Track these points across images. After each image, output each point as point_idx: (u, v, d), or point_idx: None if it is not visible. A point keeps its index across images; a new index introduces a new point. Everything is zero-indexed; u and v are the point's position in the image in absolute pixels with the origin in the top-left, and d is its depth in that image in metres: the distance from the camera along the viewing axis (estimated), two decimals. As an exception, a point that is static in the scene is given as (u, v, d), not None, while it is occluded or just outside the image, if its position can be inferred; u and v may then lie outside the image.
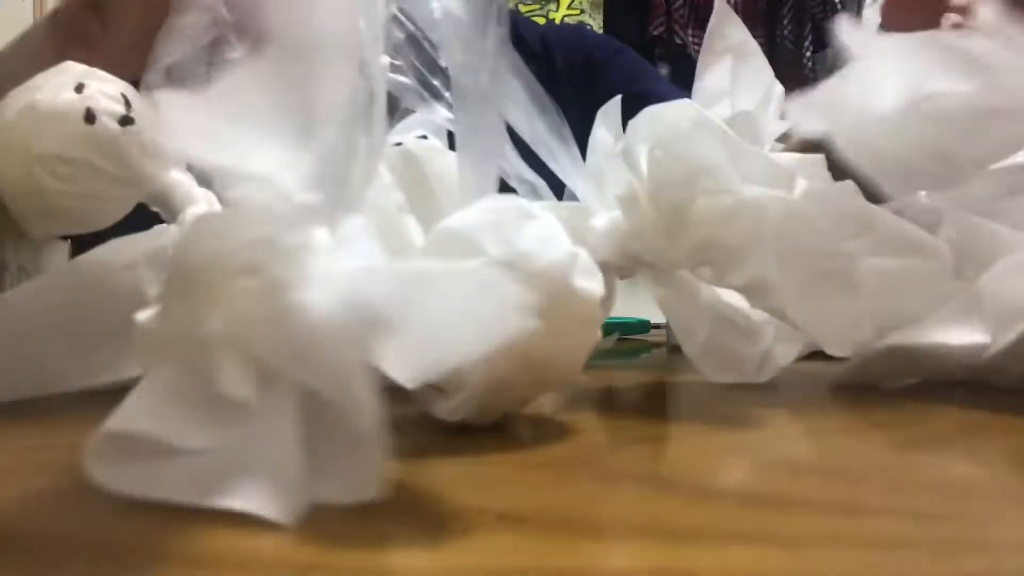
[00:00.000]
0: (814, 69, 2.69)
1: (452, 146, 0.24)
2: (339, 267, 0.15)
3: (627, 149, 0.28)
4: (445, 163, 0.26)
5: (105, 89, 0.27)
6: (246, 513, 0.13)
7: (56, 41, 0.42)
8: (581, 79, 0.80)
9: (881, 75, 0.27)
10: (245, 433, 0.15)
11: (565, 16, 2.77)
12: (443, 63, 0.24)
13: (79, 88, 0.27)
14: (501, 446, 0.20)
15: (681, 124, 0.27)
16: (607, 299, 0.24)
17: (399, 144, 0.27)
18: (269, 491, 0.13)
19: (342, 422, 0.14)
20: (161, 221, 0.29)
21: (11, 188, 0.27)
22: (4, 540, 0.12)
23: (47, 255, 0.33)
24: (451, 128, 0.24)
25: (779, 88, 0.32)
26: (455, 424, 0.20)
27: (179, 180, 0.28)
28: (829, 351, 0.28)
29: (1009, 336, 0.26)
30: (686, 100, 0.29)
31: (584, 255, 0.20)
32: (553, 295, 0.18)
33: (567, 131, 0.28)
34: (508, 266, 0.18)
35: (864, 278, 0.26)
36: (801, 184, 0.27)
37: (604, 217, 0.29)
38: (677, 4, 2.71)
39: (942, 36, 0.32)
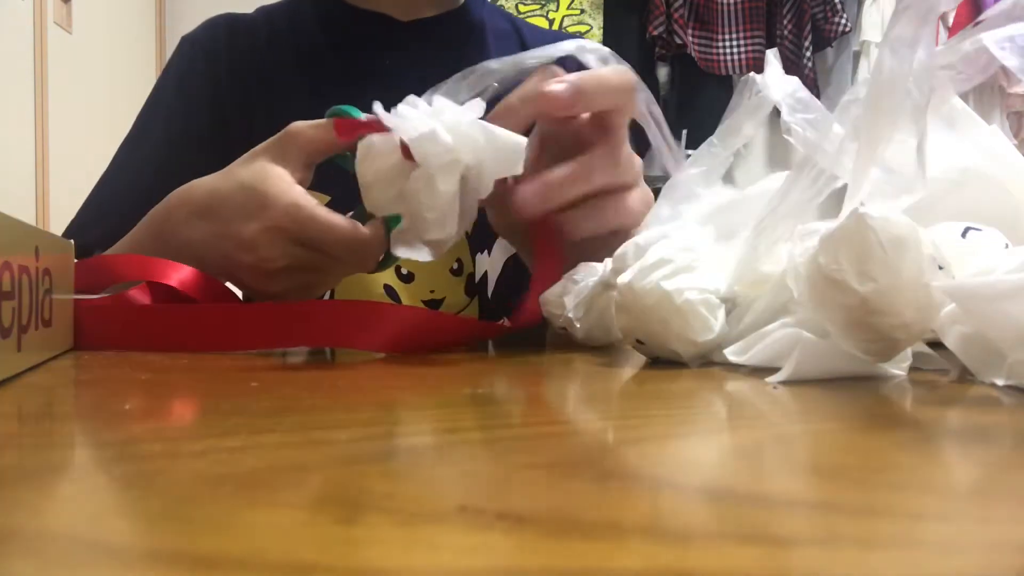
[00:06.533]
0: (814, 69, 2.69)
1: None
2: None
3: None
4: None
5: None
6: (246, 514, 0.13)
7: None
8: None
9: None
10: None
11: (565, 16, 2.77)
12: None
13: None
14: (500, 446, 0.20)
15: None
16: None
17: None
18: None
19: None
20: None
21: None
22: (5, 539, 0.12)
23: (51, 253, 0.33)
24: None
25: None
26: (453, 424, 0.20)
27: None
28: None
29: None
30: None
31: None
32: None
33: None
34: None
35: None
36: None
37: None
38: (677, 4, 2.71)
39: None
